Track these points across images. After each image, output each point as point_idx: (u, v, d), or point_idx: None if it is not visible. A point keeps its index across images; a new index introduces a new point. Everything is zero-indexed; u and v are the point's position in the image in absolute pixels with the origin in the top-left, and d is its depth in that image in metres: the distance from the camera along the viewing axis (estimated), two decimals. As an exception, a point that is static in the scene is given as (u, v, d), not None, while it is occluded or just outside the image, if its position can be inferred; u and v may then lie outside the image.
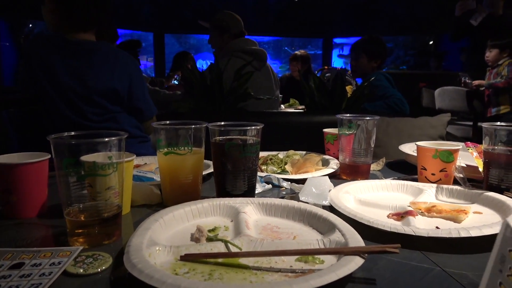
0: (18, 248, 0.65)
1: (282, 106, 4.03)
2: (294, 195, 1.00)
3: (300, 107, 4.01)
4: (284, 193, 1.05)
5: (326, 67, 5.93)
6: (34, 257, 0.60)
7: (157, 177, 1.07)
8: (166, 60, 8.03)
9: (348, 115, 1.19)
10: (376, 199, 0.95)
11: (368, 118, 1.14)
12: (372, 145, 1.17)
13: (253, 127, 0.90)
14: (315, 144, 1.56)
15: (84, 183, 0.69)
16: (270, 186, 1.08)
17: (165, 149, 0.89)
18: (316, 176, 1.05)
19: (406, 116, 2.45)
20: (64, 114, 1.55)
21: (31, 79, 1.57)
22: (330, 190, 0.94)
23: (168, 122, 0.92)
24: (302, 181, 1.03)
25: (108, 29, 3.20)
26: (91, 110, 1.57)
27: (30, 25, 7.46)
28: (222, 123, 0.93)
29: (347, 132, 1.17)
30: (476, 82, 4.12)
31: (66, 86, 1.53)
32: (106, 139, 0.68)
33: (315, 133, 1.65)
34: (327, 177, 1.00)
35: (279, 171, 1.24)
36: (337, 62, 9.43)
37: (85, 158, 0.67)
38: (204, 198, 0.88)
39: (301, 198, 0.91)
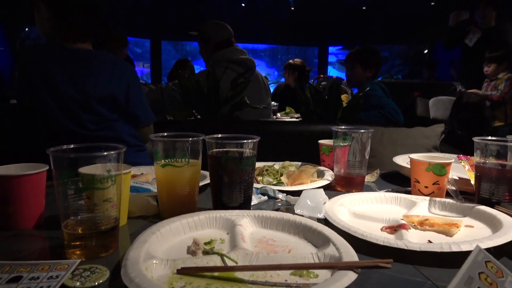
0: (16, 261, 0.65)
1: (278, 114, 4.06)
2: (289, 207, 1.01)
3: (296, 116, 4.04)
4: (279, 204, 1.06)
5: (321, 75, 5.97)
6: (32, 270, 0.61)
7: (153, 188, 1.08)
8: (163, 66, 8.05)
9: (343, 127, 1.21)
10: (370, 211, 0.97)
11: (362, 130, 1.16)
12: (367, 157, 1.19)
13: (249, 140, 0.91)
14: (311, 153, 1.58)
15: (82, 196, 0.70)
16: (265, 197, 1.09)
17: (163, 161, 0.90)
18: (311, 188, 1.06)
19: (400, 126, 2.48)
20: (60, 122, 1.55)
21: (27, 87, 1.58)
22: (325, 203, 0.95)
23: (165, 134, 0.93)
24: (298, 193, 1.04)
25: (117, 35, 3.20)
26: (89, 118, 1.58)
27: (26, 29, 7.46)
28: (219, 135, 0.94)
29: (342, 144, 1.19)
30: (473, 91, 4.17)
31: (64, 93, 1.53)
32: (105, 153, 0.69)
33: (310, 142, 1.67)
34: (322, 189, 1.02)
35: (274, 182, 1.26)
36: (332, 71, 9.51)
37: (84, 170, 0.68)
38: (201, 209, 0.89)
39: (296, 211, 0.93)
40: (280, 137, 2.25)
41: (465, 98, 4.01)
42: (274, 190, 1.11)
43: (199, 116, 2.40)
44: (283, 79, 6.07)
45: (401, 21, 8.11)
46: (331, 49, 9.37)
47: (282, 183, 1.23)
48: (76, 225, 0.71)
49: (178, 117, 2.46)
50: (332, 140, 1.42)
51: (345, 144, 1.18)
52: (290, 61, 5.43)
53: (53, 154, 0.68)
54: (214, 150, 0.92)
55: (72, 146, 0.73)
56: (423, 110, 4.59)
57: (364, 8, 7.75)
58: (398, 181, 1.33)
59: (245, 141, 0.91)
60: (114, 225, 0.73)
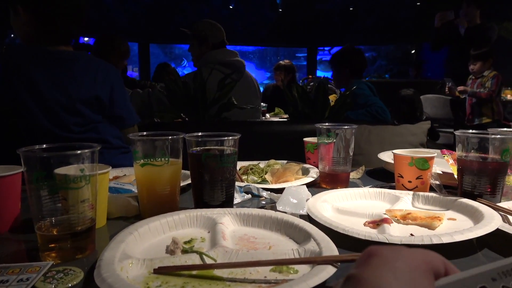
0: (-14, 265, 0.63)
1: (267, 115, 4.06)
2: (273, 205, 1.00)
3: (285, 116, 4.04)
4: (263, 202, 1.05)
5: (310, 76, 5.99)
6: (1, 274, 0.59)
7: (135, 189, 1.06)
8: (151, 70, 8.01)
9: (326, 124, 1.20)
10: (353, 207, 0.96)
11: (346, 127, 1.16)
12: (351, 154, 1.19)
13: (230, 137, 0.90)
14: (298, 152, 1.57)
15: (57, 197, 0.68)
16: (249, 196, 1.08)
17: (142, 161, 0.89)
18: (294, 185, 1.05)
19: (387, 124, 2.49)
20: (43, 126, 1.52)
21: (8, 91, 1.55)
22: (307, 199, 0.95)
23: (145, 133, 0.92)
24: (281, 191, 1.03)
25: (121, 45, 3.15)
26: (73, 120, 1.55)
27: (12, 35, 7.36)
28: (200, 133, 0.93)
29: (326, 141, 1.19)
30: (461, 88, 4.22)
31: (48, 96, 1.50)
32: (78, 152, 0.68)
33: (298, 142, 1.67)
34: (304, 186, 1.01)
35: (259, 180, 1.25)
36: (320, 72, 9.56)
37: (58, 171, 0.66)
38: (183, 209, 0.88)
39: (278, 208, 0.92)
40: (267, 138, 2.25)
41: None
42: (258, 188, 1.10)
43: (186, 118, 2.39)
44: (267, 81, 6.05)
45: (388, 22, 8.19)
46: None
47: (267, 181, 1.22)
48: (51, 227, 0.69)
49: (166, 120, 2.44)
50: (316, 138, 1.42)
51: (329, 141, 1.18)
52: (281, 62, 5.40)
53: (24, 154, 0.66)
54: (194, 148, 0.91)
55: (44, 146, 0.71)
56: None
57: (351, 8, 7.81)
58: (383, 177, 1.33)
59: (225, 138, 0.90)
60: (90, 226, 0.71)
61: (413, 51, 9.15)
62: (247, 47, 9.42)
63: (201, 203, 0.90)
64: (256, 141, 2.11)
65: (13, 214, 0.84)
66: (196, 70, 2.72)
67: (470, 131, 0.99)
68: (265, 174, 1.26)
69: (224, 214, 0.84)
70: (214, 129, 2.31)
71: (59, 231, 0.69)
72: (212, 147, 0.90)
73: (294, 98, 2.53)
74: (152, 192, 0.90)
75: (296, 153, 1.58)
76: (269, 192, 1.09)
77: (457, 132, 1.00)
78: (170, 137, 0.89)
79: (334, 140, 1.17)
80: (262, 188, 1.10)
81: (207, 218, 0.83)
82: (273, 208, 0.95)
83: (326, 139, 1.18)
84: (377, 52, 9.68)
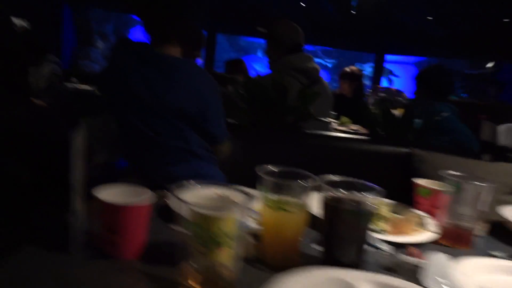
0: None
1: (333, 123, 3.91)
2: (398, 263, 0.90)
3: (352, 127, 3.89)
4: (385, 257, 0.95)
5: (378, 86, 5.73)
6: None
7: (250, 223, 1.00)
8: (216, 59, 8.08)
9: (453, 172, 1.09)
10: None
11: (484, 184, 1.03)
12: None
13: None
14: (379, 176, 1.42)
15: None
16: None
17: (274, 203, 0.82)
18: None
19: (473, 155, 2.29)
20: (132, 123, 1.52)
21: (108, 81, 1.58)
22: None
23: (276, 170, 0.85)
24: (400, 245, 0.93)
25: (194, 36, 3.10)
26: (161, 125, 1.53)
27: (93, 11, 7.80)
28: (337, 179, 0.85)
29: (451, 191, 1.07)
30: None
31: (140, 97, 1.49)
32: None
33: (379, 164, 1.51)
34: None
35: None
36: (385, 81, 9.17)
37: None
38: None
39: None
40: (343, 155, 2.14)
41: None
42: (375, 239, 1.00)
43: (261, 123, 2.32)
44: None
45: (466, 35, 7.64)
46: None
47: (382, 230, 1.09)
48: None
49: (241, 122, 2.37)
50: (428, 181, 1.30)
51: (458, 193, 1.06)
52: (347, 69, 5.06)
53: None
54: (331, 196, 0.83)
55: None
56: (488, 135, 4.28)
57: (429, 18, 7.35)
58: (506, 237, 1.17)
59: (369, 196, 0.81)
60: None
61: (491, 68, 8.51)
62: (309, 46, 9.23)
63: (330, 259, 0.83)
64: (333, 157, 2.00)
65: (142, 241, 0.80)
66: (272, 73, 2.66)
67: None
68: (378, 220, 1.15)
69: (364, 280, 0.75)
70: (291, 139, 2.23)
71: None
72: (351, 201, 0.82)
73: (374, 115, 2.41)
74: (280, 238, 0.83)
75: (376, 177, 1.43)
76: (387, 244, 1.00)
77: None
78: (309, 183, 0.82)
79: (463, 194, 1.05)
80: (381, 239, 1.01)
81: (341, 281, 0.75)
82: (398, 266, 0.86)
83: (452, 189, 1.07)
84: (450, 67, 9.12)
